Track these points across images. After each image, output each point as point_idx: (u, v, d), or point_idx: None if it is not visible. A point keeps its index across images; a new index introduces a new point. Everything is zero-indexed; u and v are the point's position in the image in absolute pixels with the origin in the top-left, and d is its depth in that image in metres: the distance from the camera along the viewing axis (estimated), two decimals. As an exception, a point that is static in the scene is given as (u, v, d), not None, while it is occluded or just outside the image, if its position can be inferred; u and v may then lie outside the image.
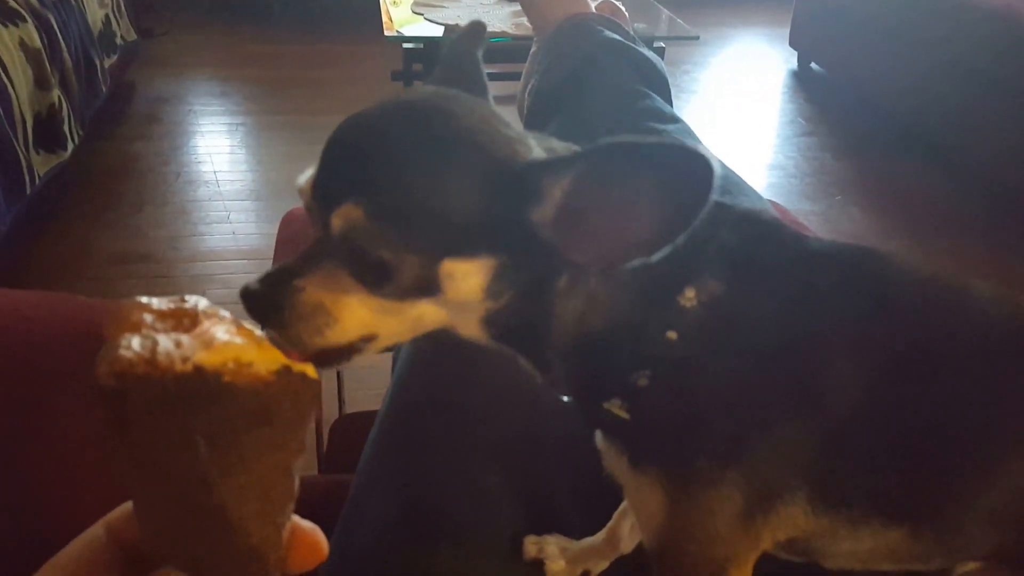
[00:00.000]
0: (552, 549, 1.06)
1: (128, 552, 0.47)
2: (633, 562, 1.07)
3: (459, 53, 0.90)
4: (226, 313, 0.44)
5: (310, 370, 0.43)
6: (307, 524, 0.48)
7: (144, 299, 0.42)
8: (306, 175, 0.74)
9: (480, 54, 0.90)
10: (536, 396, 1.12)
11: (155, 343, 0.39)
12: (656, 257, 0.68)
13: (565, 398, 0.91)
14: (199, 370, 0.39)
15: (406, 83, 4.93)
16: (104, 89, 4.02)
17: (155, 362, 0.39)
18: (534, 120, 1.78)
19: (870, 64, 4.92)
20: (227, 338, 0.41)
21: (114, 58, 4.28)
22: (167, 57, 5.31)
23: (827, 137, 4.85)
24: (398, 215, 0.69)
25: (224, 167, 4.09)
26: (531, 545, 1.06)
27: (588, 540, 1.08)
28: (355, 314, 0.72)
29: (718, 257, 0.81)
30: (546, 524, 1.07)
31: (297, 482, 0.45)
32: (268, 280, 0.71)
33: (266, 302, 0.70)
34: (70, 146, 3.46)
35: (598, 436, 0.91)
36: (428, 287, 0.71)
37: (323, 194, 0.71)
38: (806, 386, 0.81)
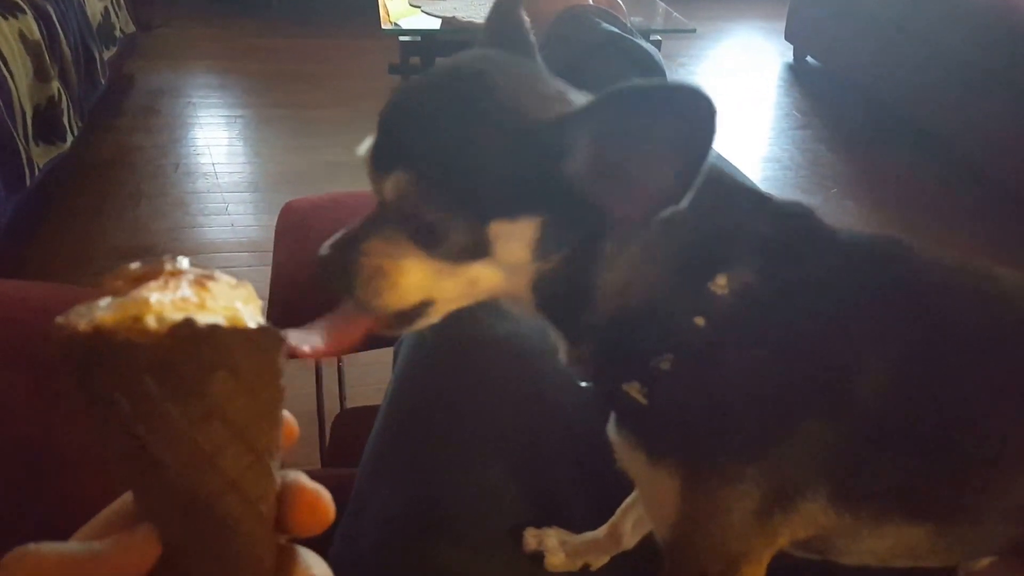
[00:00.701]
0: (552, 542, 1.06)
1: None
2: (633, 558, 1.08)
3: (503, 14, 0.91)
4: (196, 268, 0.45)
5: (238, 319, 0.43)
6: (309, 484, 0.49)
7: (130, 266, 0.44)
8: (365, 144, 0.77)
9: (522, 14, 0.91)
10: (539, 393, 1.13)
11: (84, 309, 0.41)
12: (683, 203, 0.69)
13: (583, 383, 0.90)
14: (97, 329, 0.40)
15: (403, 76, 4.94)
16: (103, 81, 4.01)
17: (68, 325, 0.40)
18: None
19: (865, 58, 4.94)
20: (157, 296, 0.42)
21: (113, 50, 4.28)
22: (166, 50, 5.31)
23: (822, 130, 4.87)
24: (442, 181, 0.71)
25: (222, 159, 4.09)
26: (531, 537, 1.06)
27: (589, 534, 1.08)
28: (413, 276, 0.75)
29: (753, 247, 0.81)
30: (548, 518, 1.07)
31: (279, 430, 0.46)
32: (337, 245, 0.75)
33: (336, 267, 0.75)
34: (69, 138, 3.46)
35: (611, 426, 0.90)
36: (479, 248, 0.74)
37: (378, 163, 0.75)
38: (833, 382, 0.80)
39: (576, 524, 1.08)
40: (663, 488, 0.84)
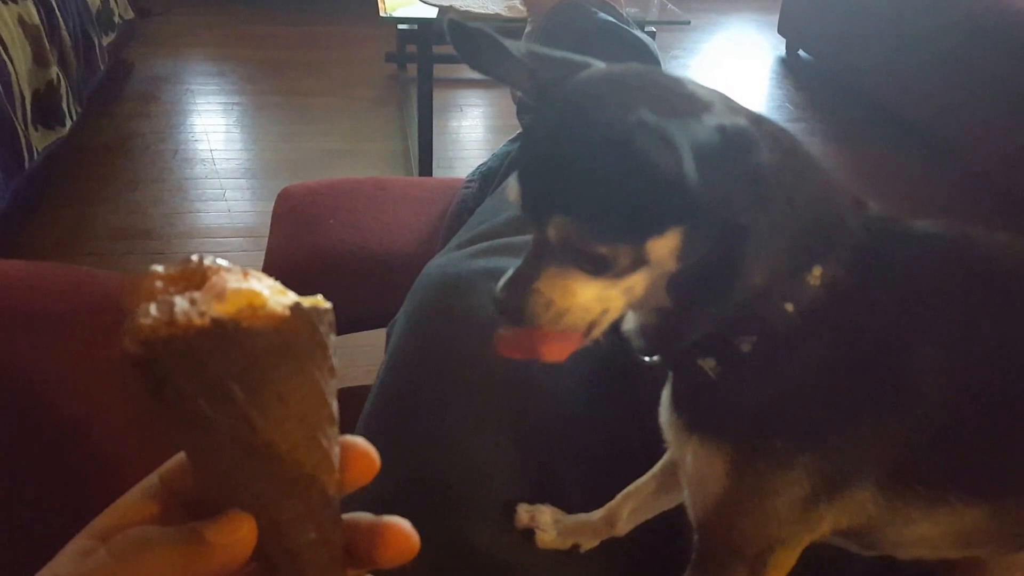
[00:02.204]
0: (545, 519, 1.06)
1: (181, 499, 0.50)
2: (624, 545, 1.08)
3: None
4: (224, 262, 0.46)
5: (320, 300, 0.46)
6: (358, 439, 0.51)
7: (155, 267, 0.44)
8: (513, 188, 0.82)
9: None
10: (530, 377, 1.13)
11: (171, 305, 0.41)
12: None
13: (645, 357, 0.91)
14: (216, 321, 0.41)
15: (400, 65, 4.96)
16: (102, 66, 4.03)
17: (175, 322, 0.41)
18: (528, 103, 1.80)
19: (858, 51, 4.96)
20: (237, 286, 0.43)
21: (112, 36, 4.30)
22: (164, 37, 5.33)
23: (814, 124, 4.89)
24: (600, 218, 0.76)
25: (220, 146, 4.11)
26: (524, 513, 1.06)
27: (583, 515, 1.08)
28: (586, 297, 0.80)
29: (849, 246, 0.83)
30: (542, 497, 1.08)
31: (335, 404, 0.48)
32: (510, 287, 0.81)
33: (514, 308, 0.81)
34: (68, 123, 3.47)
35: (664, 404, 0.93)
36: (638, 263, 0.78)
37: (532, 207, 0.80)
38: (900, 379, 0.82)
39: (569, 505, 1.08)
40: (712, 466, 0.86)
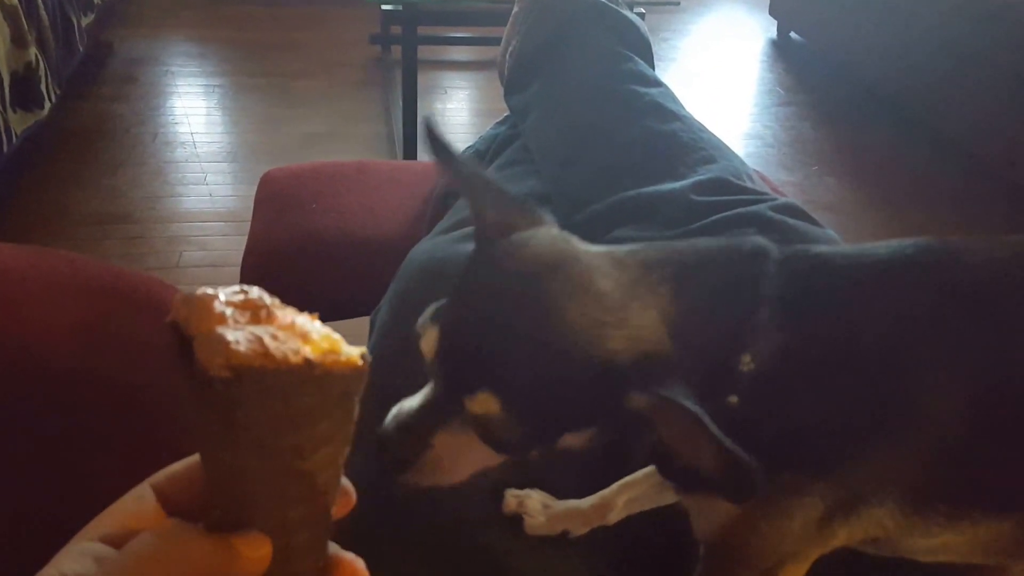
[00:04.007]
0: (533, 504, 1.06)
1: (172, 512, 0.51)
2: (614, 533, 1.07)
3: None
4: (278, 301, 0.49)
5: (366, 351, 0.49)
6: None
7: (209, 289, 0.46)
8: (427, 334, 0.82)
9: None
10: None
11: (260, 338, 0.44)
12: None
13: None
14: (308, 362, 0.44)
15: (384, 46, 4.91)
16: (81, 48, 3.97)
17: (269, 355, 0.43)
18: (515, 83, 1.78)
19: (849, 34, 4.91)
20: (315, 329, 0.47)
21: (91, 17, 4.22)
22: (144, 18, 5.25)
23: (805, 107, 4.85)
24: (527, 410, 0.76)
25: (201, 129, 4.07)
26: (511, 498, 1.06)
27: (574, 502, 1.07)
28: (475, 463, 0.82)
29: (770, 315, 0.81)
30: (530, 482, 1.08)
31: None
32: (400, 427, 0.82)
33: (399, 450, 0.82)
34: (47, 105, 3.42)
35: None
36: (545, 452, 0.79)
37: (454, 369, 0.79)
38: (900, 406, 0.80)
39: (561, 491, 1.08)
40: (721, 506, 0.85)
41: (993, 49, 3.88)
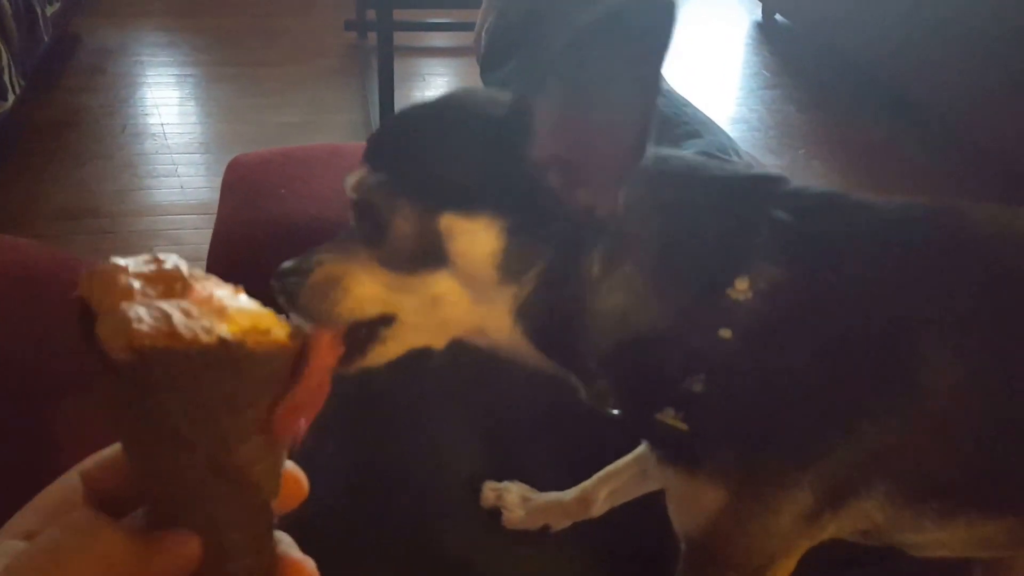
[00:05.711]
0: (512, 498, 1.04)
1: (101, 498, 0.47)
2: (596, 527, 1.05)
3: None
4: (200, 271, 0.45)
5: (307, 326, 0.47)
6: (289, 464, 0.49)
7: (119, 260, 0.42)
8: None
9: None
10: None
11: (167, 315, 0.40)
12: (647, 150, 0.67)
13: (615, 411, 0.85)
14: (223, 342, 0.40)
15: (360, 33, 4.85)
16: (46, 37, 3.90)
17: (176, 335, 0.39)
18: (491, 60, 1.75)
19: (837, 15, 4.85)
20: (235, 304, 0.42)
21: (56, 6, 4.15)
22: (113, 6, 5.19)
23: (791, 90, 4.82)
24: (396, 170, 0.72)
25: (172, 119, 4.03)
26: (490, 492, 1.04)
27: (554, 495, 1.05)
28: (366, 285, 0.74)
29: (773, 238, 0.76)
30: (509, 474, 1.06)
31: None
32: (297, 259, 0.77)
33: (288, 279, 0.75)
34: (11, 96, 3.37)
35: (645, 447, 0.89)
36: (432, 250, 0.71)
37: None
38: (896, 376, 0.75)
39: (539, 482, 1.06)
40: (705, 491, 0.80)
41: (981, 30, 3.83)
